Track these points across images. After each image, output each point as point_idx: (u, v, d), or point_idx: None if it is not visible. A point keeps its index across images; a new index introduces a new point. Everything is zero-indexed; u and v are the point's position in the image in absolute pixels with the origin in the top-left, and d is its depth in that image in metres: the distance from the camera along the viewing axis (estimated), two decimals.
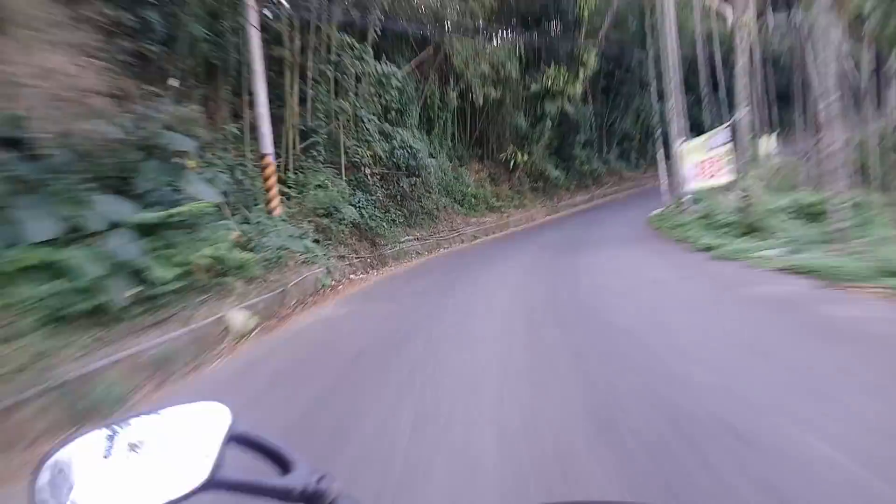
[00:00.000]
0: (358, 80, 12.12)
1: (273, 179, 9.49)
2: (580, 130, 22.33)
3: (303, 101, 12.18)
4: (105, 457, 0.53)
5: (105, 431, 0.56)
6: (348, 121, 12.13)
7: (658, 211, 12.65)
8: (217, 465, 0.53)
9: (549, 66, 18.06)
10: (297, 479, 0.55)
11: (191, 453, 0.54)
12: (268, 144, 9.47)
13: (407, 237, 12.77)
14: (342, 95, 12.05)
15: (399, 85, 12.58)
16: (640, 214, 13.81)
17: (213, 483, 0.52)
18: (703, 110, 14.29)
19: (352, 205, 11.16)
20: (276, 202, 9.45)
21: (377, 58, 12.69)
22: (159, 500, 0.49)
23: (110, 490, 0.50)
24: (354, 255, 10.66)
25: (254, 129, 9.68)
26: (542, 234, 14.22)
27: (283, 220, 9.32)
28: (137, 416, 0.58)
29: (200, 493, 0.51)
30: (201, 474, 0.52)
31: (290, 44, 11.48)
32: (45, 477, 0.50)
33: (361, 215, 11.36)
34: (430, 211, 14.14)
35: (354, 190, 11.72)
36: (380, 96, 12.46)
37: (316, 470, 0.57)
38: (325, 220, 10.24)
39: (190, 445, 0.55)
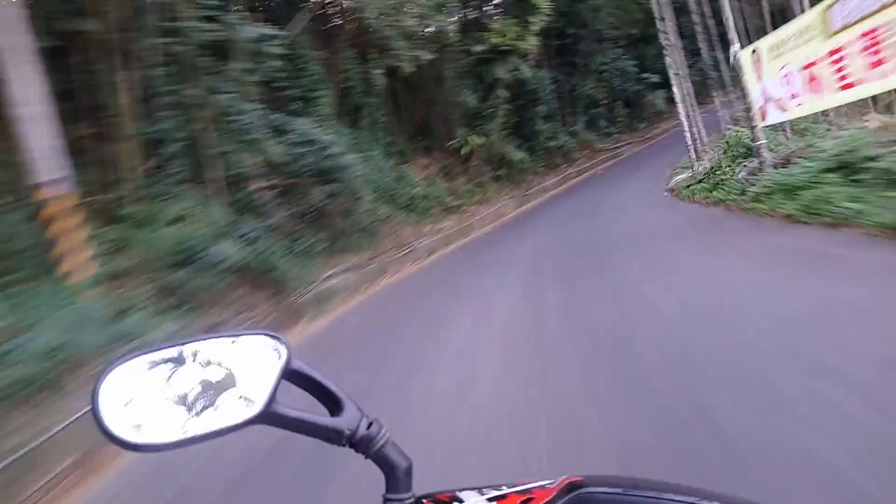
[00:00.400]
0: (221, 54, 8.27)
1: (65, 223, 5.59)
2: (539, 101, 18.93)
3: (146, 99, 8.31)
4: (163, 375, 0.50)
5: (166, 351, 0.51)
6: (220, 117, 8.28)
7: (684, 176, 8.63)
8: (271, 399, 0.51)
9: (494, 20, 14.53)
10: (346, 422, 0.53)
11: (247, 383, 0.52)
12: (46, 167, 5.56)
13: (333, 269, 8.99)
14: (199, 80, 8.18)
15: (282, 52, 8.73)
16: (646, 187, 10.20)
17: (266, 415, 0.50)
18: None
19: (233, 239, 7.32)
20: (76, 261, 5.57)
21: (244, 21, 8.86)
22: (213, 426, 0.48)
23: (165, 409, 0.48)
24: (244, 319, 6.83)
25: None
26: (523, 237, 9.88)
27: (89, 288, 5.44)
28: (200, 339, 0.54)
29: (253, 424, 0.50)
30: (255, 405, 0.50)
31: (101, 12, 7.57)
32: (105, 388, 0.47)
33: (254, 252, 7.54)
34: (366, 226, 10.39)
35: (239, 215, 7.90)
36: (256, 72, 8.60)
37: (365, 415, 0.55)
38: (181, 273, 6.38)
39: (247, 375, 0.52)
